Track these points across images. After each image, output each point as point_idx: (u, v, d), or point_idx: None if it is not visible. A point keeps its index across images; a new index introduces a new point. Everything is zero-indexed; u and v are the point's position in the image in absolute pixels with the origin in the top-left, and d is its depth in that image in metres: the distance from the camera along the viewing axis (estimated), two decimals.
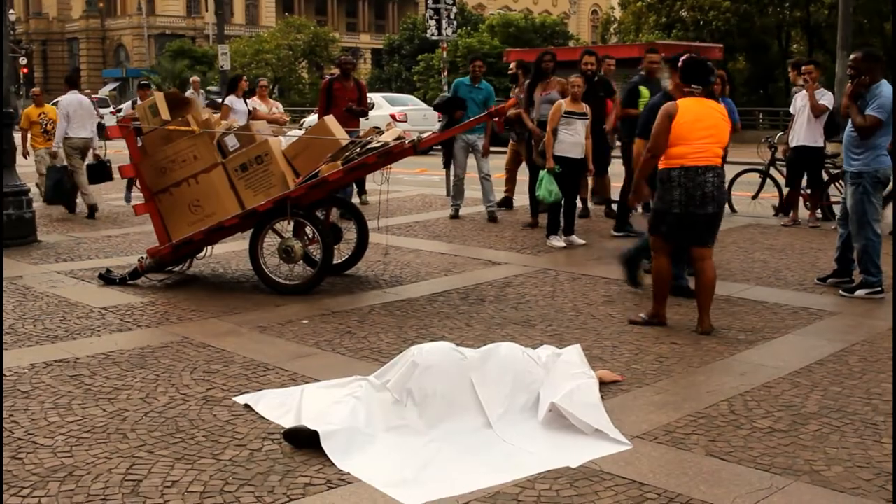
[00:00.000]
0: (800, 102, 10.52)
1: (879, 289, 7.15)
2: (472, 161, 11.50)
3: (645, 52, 10.35)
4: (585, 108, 9.46)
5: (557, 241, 9.56)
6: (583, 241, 9.65)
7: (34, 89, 15.25)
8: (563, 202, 9.50)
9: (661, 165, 6.16)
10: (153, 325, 6.51)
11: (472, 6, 64.40)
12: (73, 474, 3.92)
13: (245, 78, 14.08)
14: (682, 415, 4.62)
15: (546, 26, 48.03)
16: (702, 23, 37.32)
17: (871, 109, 6.95)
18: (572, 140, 9.34)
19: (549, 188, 9.16)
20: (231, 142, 7.41)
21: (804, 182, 10.84)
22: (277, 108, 13.88)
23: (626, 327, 6.34)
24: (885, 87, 7.01)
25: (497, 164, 12.15)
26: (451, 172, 11.82)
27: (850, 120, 7.17)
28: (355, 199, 11.73)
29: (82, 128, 11.93)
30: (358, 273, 8.16)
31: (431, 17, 17.10)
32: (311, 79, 50.25)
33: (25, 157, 13.40)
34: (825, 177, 10.95)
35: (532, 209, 10.86)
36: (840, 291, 7.31)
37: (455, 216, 11.49)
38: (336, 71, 12.80)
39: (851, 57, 7.21)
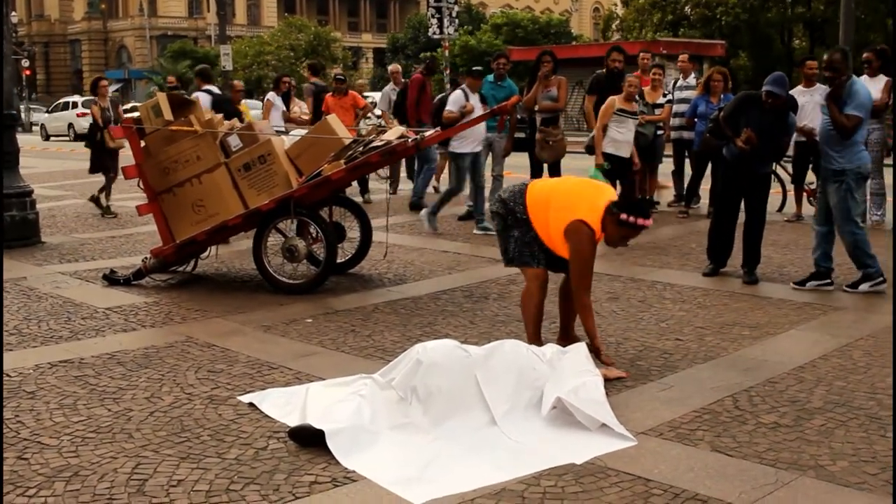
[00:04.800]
0: (801, 99, 10.48)
1: (881, 278, 7.16)
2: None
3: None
4: (636, 107, 9.48)
5: None
6: None
7: (170, 78, 14.46)
8: None
9: None
10: (157, 325, 6.52)
11: (474, 4, 64.40)
12: (78, 474, 3.93)
13: (287, 77, 13.87)
14: (687, 410, 4.62)
15: (551, 25, 48.10)
16: (709, 17, 37.28)
17: (851, 108, 6.94)
18: (622, 138, 9.34)
19: None
20: (234, 142, 7.41)
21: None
22: (300, 108, 13.44)
23: (630, 324, 6.34)
24: (857, 83, 7.10)
25: (510, 162, 11.98)
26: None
27: (826, 118, 7.14)
28: (358, 199, 11.68)
29: None
30: (361, 271, 8.16)
31: (433, 16, 17.10)
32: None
33: None
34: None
35: None
36: (844, 287, 7.31)
37: (466, 217, 11.06)
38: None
39: (829, 57, 7.17)
